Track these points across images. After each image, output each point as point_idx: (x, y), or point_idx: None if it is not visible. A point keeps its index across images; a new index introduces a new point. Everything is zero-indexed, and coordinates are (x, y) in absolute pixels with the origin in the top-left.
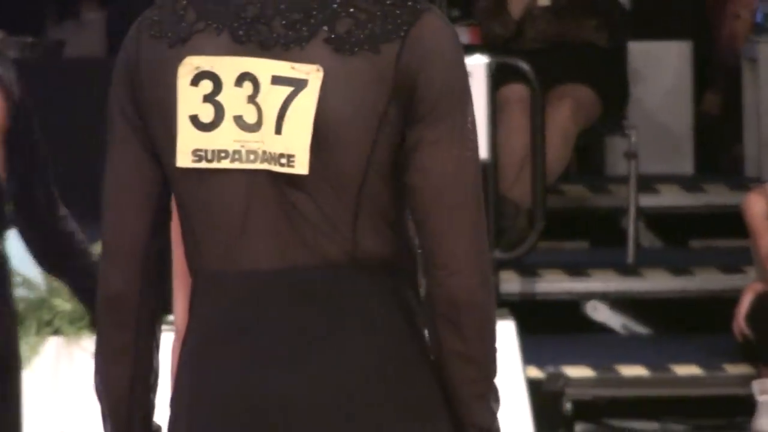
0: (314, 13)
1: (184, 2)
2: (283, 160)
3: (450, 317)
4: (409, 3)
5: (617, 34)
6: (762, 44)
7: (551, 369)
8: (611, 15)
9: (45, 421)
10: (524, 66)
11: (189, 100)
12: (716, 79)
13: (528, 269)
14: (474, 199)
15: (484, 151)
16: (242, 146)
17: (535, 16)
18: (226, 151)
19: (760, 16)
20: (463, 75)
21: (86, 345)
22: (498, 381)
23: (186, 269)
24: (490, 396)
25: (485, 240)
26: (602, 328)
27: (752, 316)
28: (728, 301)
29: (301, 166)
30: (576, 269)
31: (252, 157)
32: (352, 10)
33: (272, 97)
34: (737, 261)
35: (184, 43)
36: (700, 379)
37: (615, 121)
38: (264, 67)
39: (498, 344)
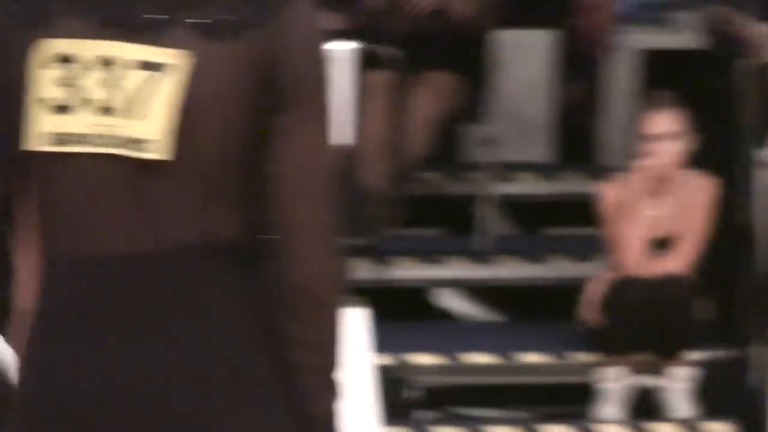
0: None
1: None
2: (138, 145)
3: (295, 305)
4: None
5: (481, 23)
6: (624, 34)
7: (399, 356)
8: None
9: None
10: (389, 52)
11: (42, 83)
12: (578, 68)
13: (383, 256)
14: (327, 189)
15: (346, 137)
16: (97, 130)
17: (400, 6)
18: (79, 135)
19: (624, 7)
20: (322, 64)
21: None
22: (340, 373)
23: (30, 253)
24: (330, 387)
25: (335, 229)
26: (454, 316)
27: (601, 304)
28: (578, 289)
29: (157, 151)
30: (429, 256)
31: (106, 141)
32: None
33: (132, 81)
34: (588, 249)
35: (41, 25)
36: (546, 367)
37: (475, 108)
38: (126, 51)
39: (345, 333)
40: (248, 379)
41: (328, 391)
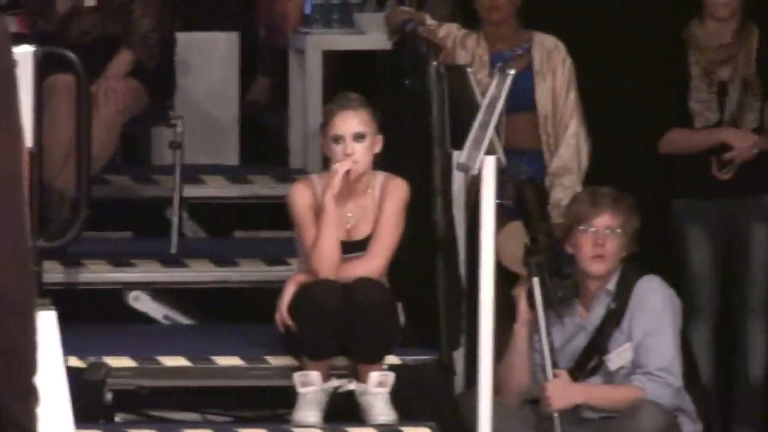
0: None
1: None
2: None
3: None
4: None
5: (164, 26)
6: (309, 35)
7: (93, 359)
8: (161, 10)
9: None
10: (70, 56)
11: None
12: (264, 66)
13: (71, 259)
14: (16, 191)
15: (29, 140)
16: None
17: (82, 14)
18: None
19: (308, 7)
20: (8, 66)
21: None
22: (38, 378)
23: None
24: (29, 394)
25: (25, 232)
26: (145, 318)
27: (294, 307)
28: (271, 292)
29: None
30: (119, 259)
31: None
32: None
33: None
34: (281, 252)
35: None
36: (242, 370)
37: (161, 111)
38: None
39: (40, 338)
40: None
41: (26, 396)
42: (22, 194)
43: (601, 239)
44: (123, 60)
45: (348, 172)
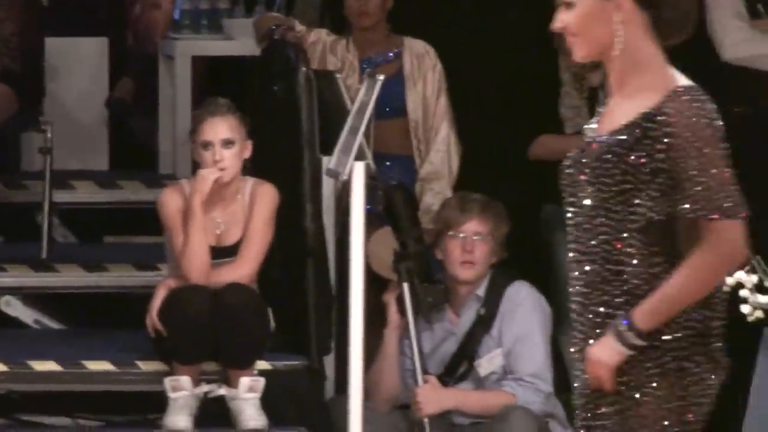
0: None
1: None
2: None
3: None
4: None
5: (29, 30)
6: (178, 41)
7: None
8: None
9: None
10: None
11: None
12: (129, 66)
13: None
14: None
15: None
16: None
17: None
18: None
19: (177, 13)
20: None
21: None
22: None
23: None
24: None
25: None
26: (16, 323)
27: (164, 313)
28: (141, 297)
29: None
30: None
31: None
32: None
33: None
34: (151, 257)
35: None
36: (112, 375)
37: (31, 116)
38: None
39: None
40: None
41: None
42: None
43: (469, 245)
44: None
45: (216, 177)
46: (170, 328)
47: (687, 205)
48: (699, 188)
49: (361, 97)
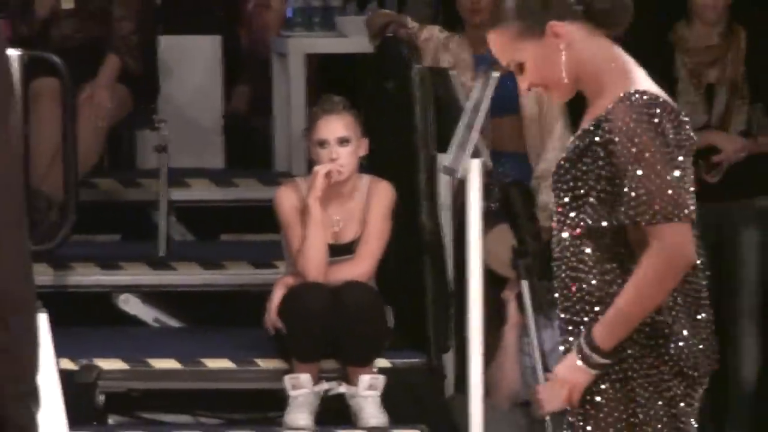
0: None
1: None
2: None
3: None
4: None
5: (145, 28)
6: (291, 39)
7: (84, 361)
8: (141, 12)
9: None
10: (55, 60)
11: None
12: (245, 73)
13: (60, 262)
14: (14, 194)
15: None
16: None
17: (60, 17)
18: None
19: (290, 11)
20: (5, 69)
21: None
22: (39, 380)
23: None
24: (30, 395)
25: (25, 234)
26: (134, 321)
27: (283, 310)
28: (259, 295)
29: None
30: (108, 262)
31: None
32: None
33: None
34: (268, 255)
35: None
36: (232, 373)
37: (145, 115)
38: None
39: (39, 338)
40: None
41: (28, 398)
42: (20, 197)
43: None
44: (111, 67)
45: (329, 173)
46: (289, 326)
47: (628, 211)
48: (638, 193)
49: (476, 94)
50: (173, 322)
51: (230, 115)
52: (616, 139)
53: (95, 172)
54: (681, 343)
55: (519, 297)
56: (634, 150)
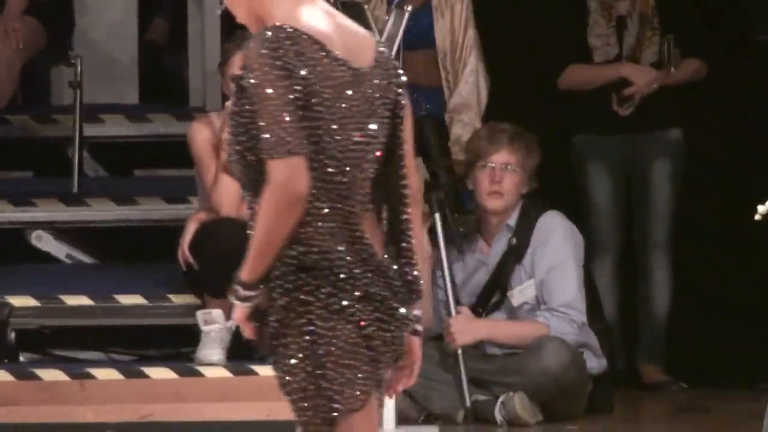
0: None
1: None
2: None
3: None
4: None
5: None
6: None
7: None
8: None
9: None
10: None
11: None
12: (161, 7)
13: None
14: None
15: None
16: None
17: None
18: None
19: None
20: None
21: None
22: None
23: None
24: None
25: None
26: (47, 258)
27: (196, 245)
28: (172, 230)
29: None
30: (21, 198)
31: None
32: None
33: None
34: (181, 191)
35: None
36: (145, 309)
37: (60, 50)
38: None
39: None
40: None
41: None
42: None
43: (498, 175)
44: None
45: None
46: (202, 261)
47: (258, 146)
48: (260, 129)
49: (389, 28)
50: (86, 259)
51: (145, 48)
52: (249, 75)
53: (9, 108)
54: (338, 262)
55: (431, 230)
56: (257, 86)
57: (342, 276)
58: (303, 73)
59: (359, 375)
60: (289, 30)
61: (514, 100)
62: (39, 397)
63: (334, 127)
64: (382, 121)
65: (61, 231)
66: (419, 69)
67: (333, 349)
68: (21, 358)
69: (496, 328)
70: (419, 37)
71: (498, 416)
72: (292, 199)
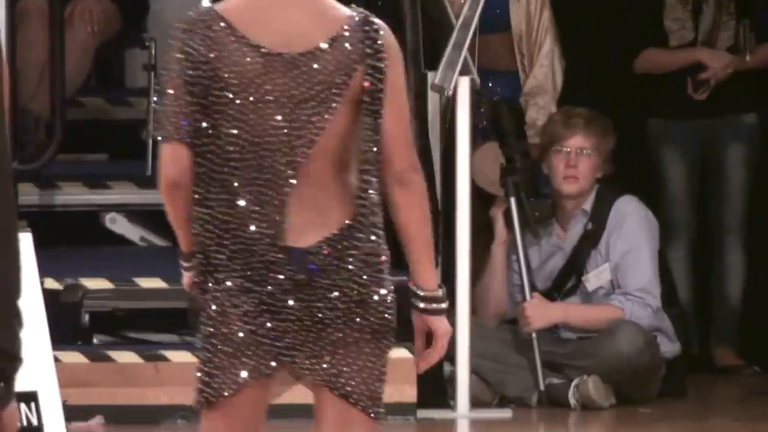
0: None
1: None
2: None
3: None
4: None
5: None
6: None
7: (70, 281)
8: None
9: None
10: None
11: None
12: None
13: (47, 181)
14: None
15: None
16: None
17: None
18: None
19: None
20: None
21: None
22: (21, 301)
23: None
24: (12, 317)
25: (6, 155)
26: (121, 240)
27: None
28: None
29: None
30: (95, 181)
31: None
32: None
33: None
34: None
35: None
36: None
37: (134, 33)
38: None
39: (20, 260)
40: None
41: (10, 320)
42: (2, 117)
43: (573, 160)
44: None
45: None
46: None
47: None
48: None
49: (466, 11)
50: (160, 242)
51: None
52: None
53: (84, 90)
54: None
55: (507, 214)
56: (163, 67)
57: (216, 263)
58: (211, 56)
59: (236, 362)
60: (207, 11)
61: (589, 84)
62: (113, 379)
63: (245, 111)
64: (325, 106)
65: (135, 213)
66: (494, 53)
67: (217, 332)
68: (94, 341)
69: (570, 311)
70: (494, 20)
71: (572, 399)
72: (166, 183)
